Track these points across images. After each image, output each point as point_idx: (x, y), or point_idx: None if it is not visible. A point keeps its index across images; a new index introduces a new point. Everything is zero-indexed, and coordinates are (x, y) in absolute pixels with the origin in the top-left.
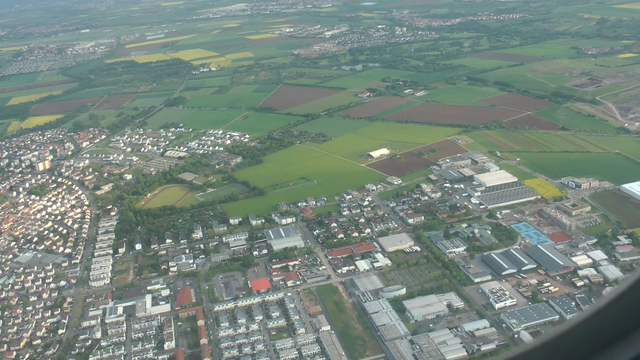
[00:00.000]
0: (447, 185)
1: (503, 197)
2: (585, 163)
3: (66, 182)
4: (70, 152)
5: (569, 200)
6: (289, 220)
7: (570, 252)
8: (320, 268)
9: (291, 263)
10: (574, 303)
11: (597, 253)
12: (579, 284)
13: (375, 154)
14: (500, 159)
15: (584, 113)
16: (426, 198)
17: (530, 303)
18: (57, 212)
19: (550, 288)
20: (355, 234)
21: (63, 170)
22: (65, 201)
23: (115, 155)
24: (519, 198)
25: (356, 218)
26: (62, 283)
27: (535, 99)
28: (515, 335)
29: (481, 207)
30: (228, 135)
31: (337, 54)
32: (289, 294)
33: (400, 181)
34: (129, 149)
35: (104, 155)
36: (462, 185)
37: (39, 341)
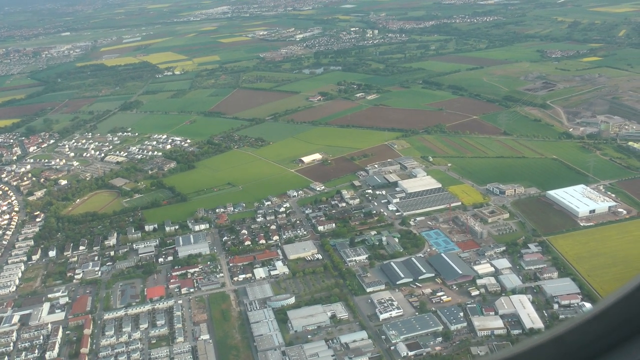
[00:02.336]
0: (369, 191)
1: (422, 203)
2: (518, 169)
3: (3, 187)
4: (15, 157)
5: (488, 207)
6: (203, 226)
7: (475, 260)
8: (218, 275)
9: (192, 270)
10: (462, 313)
11: (501, 262)
12: (474, 293)
13: (307, 159)
14: (432, 164)
15: (531, 117)
16: (344, 205)
17: (417, 313)
18: None
19: (442, 298)
20: (263, 241)
21: (4, 175)
22: None
23: (58, 160)
24: (439, 205)
25: (268, 225)
26: None
27: (485, 102)
28: (392, 347)
29: (397, 213)
30: (170, 140)
31: (302, 57)
32: (180, 301)
33: (323, 187)
34: (72, 154)
35: (46, 160)
36: (384, 192)
37: None
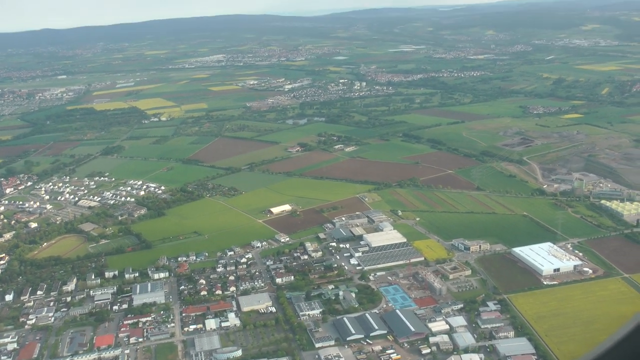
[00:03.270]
0: (333, 244)
1: (384, 258)
2: (487, 224)
3: None
4: None
5: (451, 263)
6: (162, 275)
7: (431, 317)
8: (168, 325)
9: (143, 319)
10: None
11: (457, 319)
12: (425, 351)
13: (276, 210)
14: (400, 218)
15: (506, 173)
16: (306, 257)
17: None
18: None
19: (392, 355)
20: (219, 292)
21: None
22: None
23: (32, 202)
24: (401, 260)
25: (227, 275)
26: None
27: (462, 157)
28: None
29: (358, 268)
30: (145, 186)
31: (288, 108)
32: (127, 351)
33: (287, 239)
34: (47, 197)
35: (21, 202)
36: (347, 245)
37: None
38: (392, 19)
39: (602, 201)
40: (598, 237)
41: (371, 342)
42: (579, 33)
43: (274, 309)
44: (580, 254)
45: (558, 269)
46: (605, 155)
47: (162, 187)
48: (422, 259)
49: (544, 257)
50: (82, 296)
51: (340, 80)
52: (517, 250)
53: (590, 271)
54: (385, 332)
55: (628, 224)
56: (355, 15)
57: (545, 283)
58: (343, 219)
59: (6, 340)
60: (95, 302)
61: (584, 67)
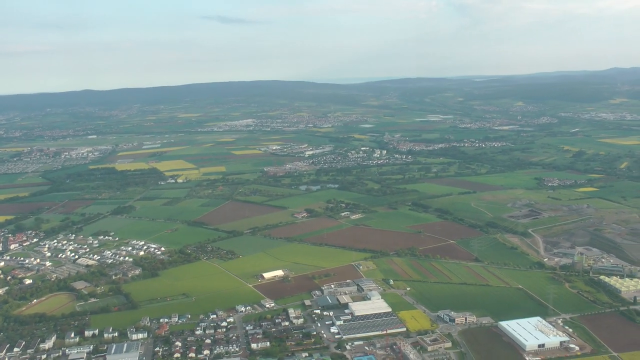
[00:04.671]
0: (317, 311)
1: (366, 327)
2: (478, 297)
3: None
4: None
5: (432, 334)
6: (141, 335)
7: None
8: None
9: None
10: None
11: None
12: None
13: (268, 275)
14: (390, 287)
15: (508, 245)
16: (287, 324)
17: None
18: None
19: None
20: (193, 354)
21: None
22: None
23: (32, 259)
24: (382, 329)
25: (204, 338)
26: None
27: (467, 227)
28: None
29: (337, 336)
30: (146, 247)
31: (304, 173)
32: None
33: (273, 304)
34: (49, 254)
35: (22, 259)
36: (331, 313)
37: None
38: (424, 89)
39: (602, 277)
40: (592, 314)
41: None
42: (607, 106)
43: None
44: (570, 330)
45: (543, 345)
46: (611, 229)
47: (162, 248)
48: (404, 329)
49: (530, 332)
50: (57, 354)
51: (362, 148)
52: (504, 324)
53: (577, 348)
54: None
55: (625, 301)
56: (389, 84)
57: (527, 359)
58: (332, 286)
59: None
60: None
61: (606, 141)
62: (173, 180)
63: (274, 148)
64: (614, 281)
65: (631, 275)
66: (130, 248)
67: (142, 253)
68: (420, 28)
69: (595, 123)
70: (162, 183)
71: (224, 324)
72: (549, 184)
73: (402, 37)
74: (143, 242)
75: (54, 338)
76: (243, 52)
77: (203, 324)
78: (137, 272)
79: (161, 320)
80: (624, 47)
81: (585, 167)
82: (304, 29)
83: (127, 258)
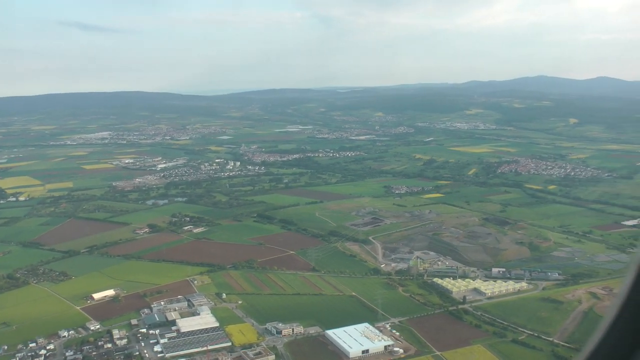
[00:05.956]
0: (143, 330)
1: (191, 344)
2: (310, 306)
3: None
4: None
5: (256, 348)
6: None
7: None
8: None
9: None
10: None
11: None
12: None
13: (98, 295)
14: (223, 301)
15: (348, 253)
16: (110, 345)
17: None
18: None
19: None
20: None
21: None
22: None
23: None
24: (207, 345)
25: None
26: None
27: (309, 237)
28: None
29: (160, 355)
30: None
31: (153, 187)
32: None
33: (98, 326)
34: None
35: None
36: (157, 331)
37: None
38: (288, 100)
39: (435, 279)
40: (421, 315)
41: None
42: (462, 117)
43: None
44: (397, 333)
45: (367, 351)
46: (449, 233)
47: None
48: (229, 344)
49: (355, 339)
50: None
51: (216, 160)
52: (330, 332)
53: (401, 351)
54: None
55: (455, 301)
56: (253, 95)
57: None
58: (162, 303)
59: None
60: None
61: (458, 149)
62: (14, 199)
63: (127, 162)
64: (446, 282)
65: (464, 276)
66: None
67: None
68: (286, 39)
69: (449, 132)
70: (1, 202)
71: (43, 352)
72: (397, 192)
73: (267, 48)
74: None
75: None
76: (105, 61)
77: (20, 354)
78: None
79: None
80: (481, 61)
81: (434, 174)
82: (170, 39)
83: None
